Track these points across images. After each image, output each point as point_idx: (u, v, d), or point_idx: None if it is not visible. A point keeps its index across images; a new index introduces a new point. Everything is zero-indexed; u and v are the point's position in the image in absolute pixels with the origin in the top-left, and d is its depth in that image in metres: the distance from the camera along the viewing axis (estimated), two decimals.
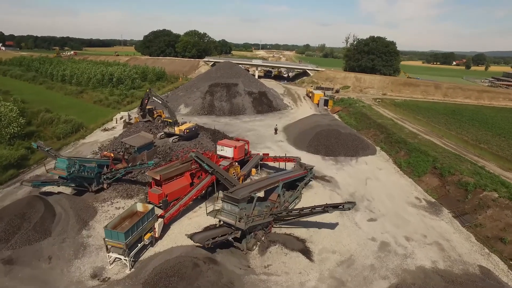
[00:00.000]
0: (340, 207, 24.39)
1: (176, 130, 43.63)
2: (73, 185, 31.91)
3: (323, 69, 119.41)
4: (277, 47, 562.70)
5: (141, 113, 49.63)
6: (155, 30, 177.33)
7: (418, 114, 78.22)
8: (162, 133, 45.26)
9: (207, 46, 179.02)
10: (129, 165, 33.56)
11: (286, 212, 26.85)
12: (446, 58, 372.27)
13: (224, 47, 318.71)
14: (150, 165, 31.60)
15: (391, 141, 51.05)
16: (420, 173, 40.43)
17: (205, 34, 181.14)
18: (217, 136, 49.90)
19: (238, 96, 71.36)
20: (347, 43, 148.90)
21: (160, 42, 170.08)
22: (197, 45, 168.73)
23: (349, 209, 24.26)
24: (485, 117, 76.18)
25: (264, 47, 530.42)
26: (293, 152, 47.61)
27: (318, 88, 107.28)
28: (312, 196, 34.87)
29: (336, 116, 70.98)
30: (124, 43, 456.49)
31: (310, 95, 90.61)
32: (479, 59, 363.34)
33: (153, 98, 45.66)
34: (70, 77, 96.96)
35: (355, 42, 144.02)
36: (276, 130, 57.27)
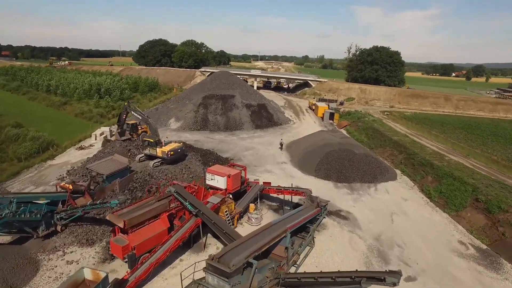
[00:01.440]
0: (380, 279, 16.27)
1: (158, 151, 35.63)
2: (7, 231, 23.68)
3: (325, 80, 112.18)
4: (275, 58, 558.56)
5: (119, 130, 41.66)
6: (150, 39, 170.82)
7: (432, 129, 70.72)
8: (142, 155, 37.25)
9: (205, 56, 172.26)
10: (88, 204, 25.27)
11: (298, 278, 18.66)
12: (445, 69, 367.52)
13: (223, 58, 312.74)
14: (113, 205, 23.49)
15: (413, 163, 43.06)
16: (458, 207, 32.34)
17: (203, 44, 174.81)
18: (208, 158, 41.82)
19: (234, 109, 63.61)
20: (349, 53, 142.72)
21: (155, 52, 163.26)
22: (194, 55, 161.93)
23: (394, 284, 16.10)
24: (507, 131, 68.55)
25: (263, 58, 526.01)
26: (299, 176, 39.61)
27: (321, 100, 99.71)
28: (327, 241, 26.72)
29: (344, 132, 63.19)
30: (123, 53, 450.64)
31: (314, 107, 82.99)
32: (478, 70, 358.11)
33: (132, 112, 37.85)
34: (56, 87, 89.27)
35: (358, 52, 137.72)
36: (281, 145, 49.87)
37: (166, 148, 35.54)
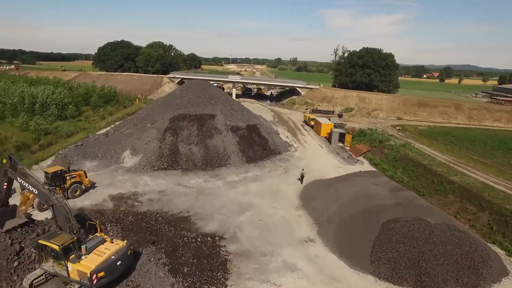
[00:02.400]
0: None
1: (72, 270, 16.33)
2: None
3: (317, 87, 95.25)
4: (247, 61, 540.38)
5: None
6: (111, 41, 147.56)
7: (462, 147, 55.53)
8: (40, 274, 17.73)
9: (174, 60, 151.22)
10: None
11: None
12: (417, 71, 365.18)
13: (194, 61, 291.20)
14: None
15: None
16: None
17: (171, 46, 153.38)
18: (181, 245, 22.81)
19: (216, 134, 44.74)
20: (335, 55, 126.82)
21: (117, 55, 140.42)
22: (161, 59, 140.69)
23: None
24: None
25: (234, 61, 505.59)
26: (347, 277, 21.62)
27: (315, 111, 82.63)
28: None
29: (367, 163, 46.07)
30: (87, 57, 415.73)
31: (313, 123, 65.49)
32: (447, 72, 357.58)
33: (19, 180, 18.40)
34: None
35: (346, 55, 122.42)
36: (302, 177, 35.55)
37: (88, 266, 16.22)
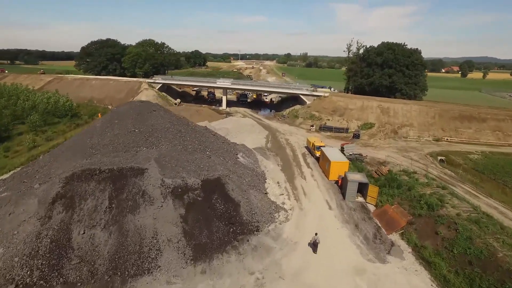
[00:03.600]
0: None
1: None
2: None
3: (325, 94, 74.11)
4: (257, 57, 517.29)
5: None
6: (95, 40, 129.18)
7: None
8: None
9: (166, 59, 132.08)
10: None
11: None
12: (434, 65, 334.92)
13: (198, 59, 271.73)
14: None
15: None
16: None
17: (164, 44, 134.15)
18: None
19: (144, 205, 25.15)
20: (348, 52, 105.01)
21: (100, 56, 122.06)
22: (151, 59, 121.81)
23: None
24: None
25: (243, 57, 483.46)
26: None
27: (323, 128, 62.01)
28: None
29: (409, 253, 25.65)
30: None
31: (318, 154, 45.13)
32: (467, 65, 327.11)
33: None
34: None
35: (361, 51, 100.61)
36: (315, 245, 21.97)
37: None
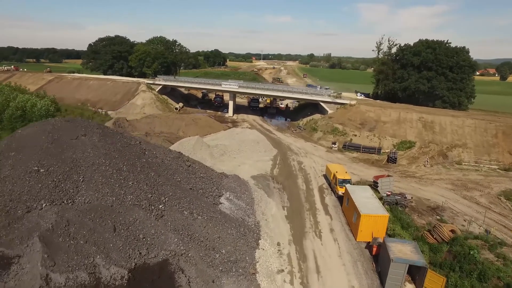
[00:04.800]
0: None
1: None
2: None
3: (352, 102, 59.52)
4: (279, 57, 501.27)
5: None
6: (102, 37, 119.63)
7: None
8: None
9: (177, 58, 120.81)
10: None
11: None
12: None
13: (218, 58, 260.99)
14: None
15: None
16: None
17: (175, 41, 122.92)
18: None
19: None
20: (378, 51, 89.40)
21: (107, 54, 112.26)
22: (160, 57, 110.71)
23: None
24: None
25: (266, 57, 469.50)
26: None
27: (348, 146, 47.84)
28: None
29: None
30: None
31: (342, 192, 31.35)
32: (507, 67, 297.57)
33: None
34: None
35: (393, 50, 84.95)
36: None
37: None
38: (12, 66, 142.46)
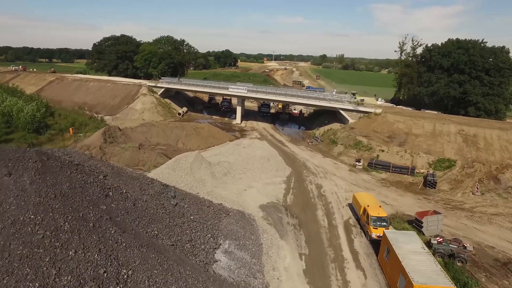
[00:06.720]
0: None
1: None
2: None
3: (377, 110, 51.45)
4: (291, 57, 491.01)
5: None
6: (108, 36, 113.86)
7: None
8: None
9: (185, 58, 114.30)
10: None
11: None
12: None
13: (228, 59, 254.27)
14: None
15: None
16: None
17: (183, 41, 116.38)
18: None
19: None
20: (401, 52, 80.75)
21: (111, 54, 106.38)
22: (167, 58, 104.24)
23: None
24: None
25: (277, 57, 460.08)
26: None
27: (374, 164, 39.92)
28: None
29: None
30: None
31: (377, 235, 23.65)
32: None
33: None
34: None
35: (417, 51, 76.28)
36: None
37: None
38: (20, 66, 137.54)
